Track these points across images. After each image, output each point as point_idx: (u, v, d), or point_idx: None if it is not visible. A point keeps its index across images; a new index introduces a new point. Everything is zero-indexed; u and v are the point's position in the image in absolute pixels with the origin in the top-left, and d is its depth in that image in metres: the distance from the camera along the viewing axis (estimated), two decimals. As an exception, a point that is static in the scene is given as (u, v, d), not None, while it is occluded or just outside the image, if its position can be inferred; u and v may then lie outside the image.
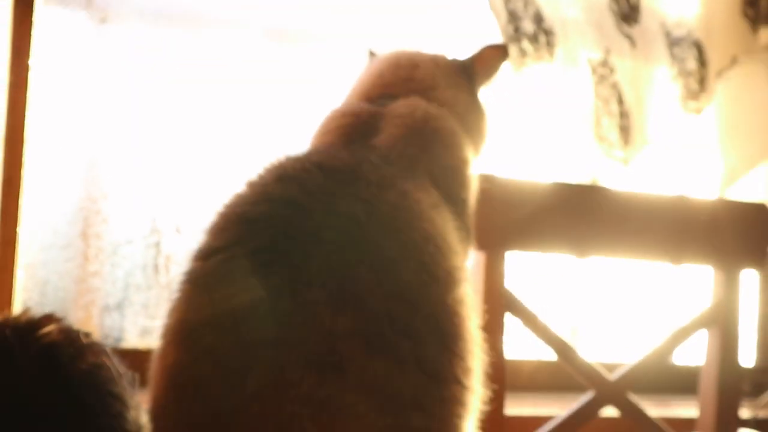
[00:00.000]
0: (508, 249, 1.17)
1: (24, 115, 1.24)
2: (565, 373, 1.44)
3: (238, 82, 1.44)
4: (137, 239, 1.35)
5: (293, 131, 1.41)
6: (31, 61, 1.25)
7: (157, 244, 1.36)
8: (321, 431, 0.75)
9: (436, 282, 0.84)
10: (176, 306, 0.83)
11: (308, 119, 1.15)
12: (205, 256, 0.83)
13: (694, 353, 1.43)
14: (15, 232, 1.22)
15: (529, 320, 1.20)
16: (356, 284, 0.79)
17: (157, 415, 0.81)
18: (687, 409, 1.39)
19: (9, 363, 0.79)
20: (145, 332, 1.26)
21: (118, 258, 1.34)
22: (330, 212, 0.82)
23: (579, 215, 1.22)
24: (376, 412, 0.77)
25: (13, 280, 1.22)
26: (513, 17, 1.29)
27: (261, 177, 0.88)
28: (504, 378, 1.15)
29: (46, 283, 1.28)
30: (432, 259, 0.85)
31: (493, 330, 0.94)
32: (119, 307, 1.32)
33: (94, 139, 1.37)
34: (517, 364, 1.45)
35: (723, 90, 1.40)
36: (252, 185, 0.87)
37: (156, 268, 1.35)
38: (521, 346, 1.41)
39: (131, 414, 0.86)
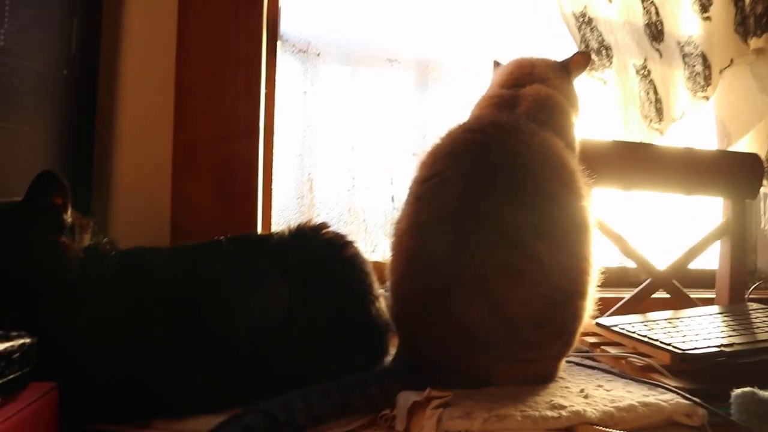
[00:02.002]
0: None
1: (273, 122, 1.25)
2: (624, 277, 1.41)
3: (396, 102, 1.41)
4: (341, 194, 1.35)
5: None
6: (276, 87, 1.27)
7: (350, 209, 1.35)
8: (508, 287, 0.75)
9: (572, 193, 0.83)
10: (406, 213, 0.83)
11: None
12: (424, 180, 0.83)
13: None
14: (270, 188, 1.25)
15: (610, 234, 1.17)
16: (526, 193, 0.78)
17: (397, 283, 0.82)
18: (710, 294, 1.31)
19: (308, 245, 0.82)
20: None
21: (330, 204, 1.35)
22: (503, 149, 0.82)
23: (630, 162, 1.19)
24: (541, 275, 0.76)
25: (270, 219, 1.24)
26: (584, 38, 1.28)
27: (453, 130, 0.87)
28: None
29: (288, 221, 1.30)
30: (568, 178, 0.83)
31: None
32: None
33: (315, 134, 1.36)
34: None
35: (723, 82, 1.35)
36: (448, 134, 0.87)
37: (350, 210, 1.35)
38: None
39: (374, 286, 0.87)
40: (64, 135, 0.97)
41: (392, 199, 1.36)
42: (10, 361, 0.56)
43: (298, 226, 0.85)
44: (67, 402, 0.64)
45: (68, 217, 0.71)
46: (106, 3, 1.06)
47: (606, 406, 0.71)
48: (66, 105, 0.96)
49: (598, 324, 1.02)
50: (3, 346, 0.55)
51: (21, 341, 0.58)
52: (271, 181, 1.24)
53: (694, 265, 1.26)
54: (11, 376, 0.56)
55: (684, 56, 1.32)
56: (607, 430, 0.67)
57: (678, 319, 1.05)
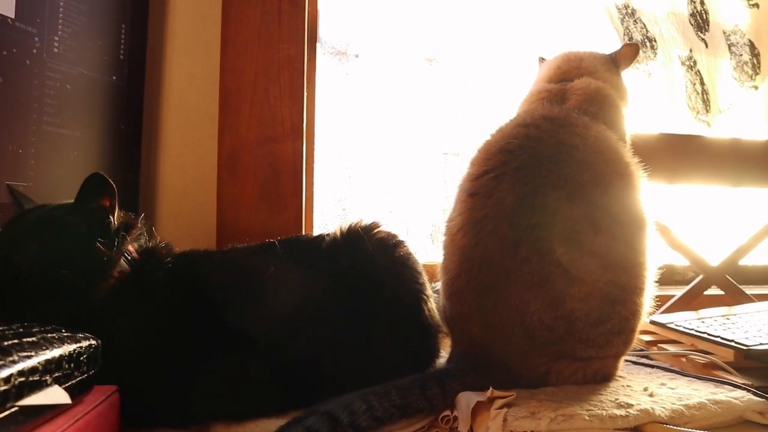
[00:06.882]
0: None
1: (314, 124, 1.25)
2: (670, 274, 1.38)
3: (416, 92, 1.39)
4: (382, 195, 1.33)
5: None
6: (316, 86, 1.26)
7: (391, 211, 1.33)
8: (567, 283, 0.73)
9: (629, 186, 0.81)
10: (460, 210, 0.81)
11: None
12: (477, 177, 0.81)
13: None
14: (312, 190, 1.24)
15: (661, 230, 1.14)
16: (582, 186, 0.76)
17: (451, 282, 0.81)
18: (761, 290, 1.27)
19: (362, 245, 0.80)
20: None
21: (371, 206, 1.34)
22: (558, 143, 0.80)
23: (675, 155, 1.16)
24: (601, 270, 0.74)
25: (312, 221, 1.24)
26: (627, 31, 1.25)
27: (505, 125, 0.86)
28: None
29: (330, 223, 1.30)
30: (624, 171, 0.81)
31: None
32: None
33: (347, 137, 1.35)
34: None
35: (771, 72, 1.31)
36: (499, 130, 0.86)
37: (391, 212, 1.35)
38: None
39: (427, 286, 0.85)
40: (112, 140, 0.98)
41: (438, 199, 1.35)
42: (78, 363, 0.55)
43: (350, 226, 0.84)
44: (125, 406, 0.63)
45: (115, 218, 0.71)
46: (151, 7, 1.07)
47: (674, 404, 0.68)
48: (114, 110, 0.97)
49: (652, 322, 0.99)
50: (71, 348, 0.54)
51: (87, 343, 0.57)
52: (313, 183, 1.23)
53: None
54: (79, 378, 0.55)
55: (730, 45, 1.28)
56: (678, 428, 0.64)
57: (734, 315, 1.02)
